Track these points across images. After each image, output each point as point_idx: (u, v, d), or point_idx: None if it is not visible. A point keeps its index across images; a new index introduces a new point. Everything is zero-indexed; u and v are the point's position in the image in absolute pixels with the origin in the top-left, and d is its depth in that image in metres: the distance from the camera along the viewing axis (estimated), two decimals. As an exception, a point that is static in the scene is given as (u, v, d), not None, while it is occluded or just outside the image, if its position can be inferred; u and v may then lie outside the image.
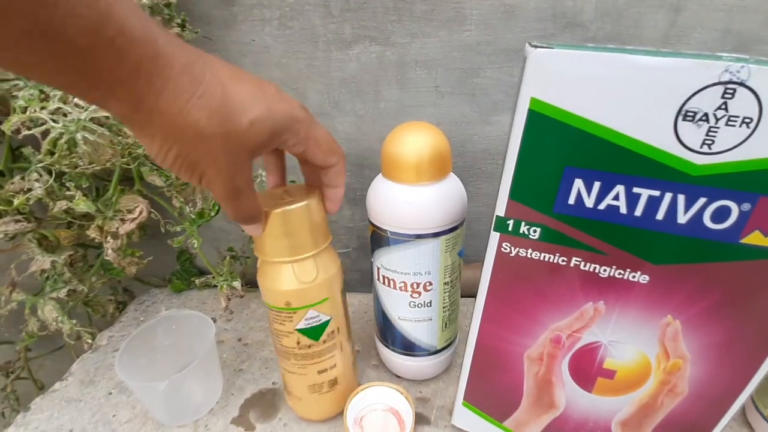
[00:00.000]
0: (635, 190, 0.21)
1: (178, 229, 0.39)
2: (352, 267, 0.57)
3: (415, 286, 0.34)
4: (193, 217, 0.38)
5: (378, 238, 0.34)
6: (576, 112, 0.21)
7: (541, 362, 0.28)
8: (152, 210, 0.37)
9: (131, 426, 0.36)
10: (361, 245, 0.55)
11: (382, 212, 0.32)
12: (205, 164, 0.21)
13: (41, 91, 0.30)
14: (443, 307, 0.36)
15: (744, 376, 0.24)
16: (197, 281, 0.42)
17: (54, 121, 0.27)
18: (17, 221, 0.34)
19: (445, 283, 0.35)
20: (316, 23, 0.43)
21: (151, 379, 0.33)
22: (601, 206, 0.22)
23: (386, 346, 0.40)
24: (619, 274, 0.23)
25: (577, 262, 0.24)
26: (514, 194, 0.24)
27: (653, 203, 0.21)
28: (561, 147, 0.22)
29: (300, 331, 0.30)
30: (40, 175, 0.34)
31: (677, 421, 0.27)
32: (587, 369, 0.27)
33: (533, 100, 0.21)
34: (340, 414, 0.35)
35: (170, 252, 0.56)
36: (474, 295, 0.28)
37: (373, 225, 0.34)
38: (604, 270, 0.24)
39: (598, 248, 0.23)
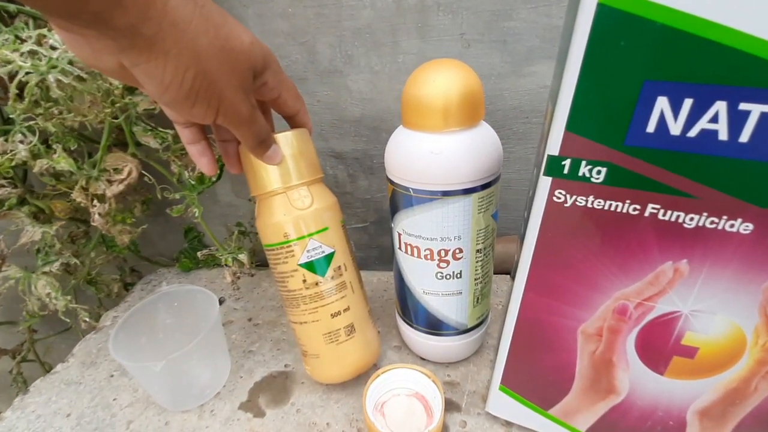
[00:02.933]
0: (742, 106, 0.16)
1: (177, 196, 0.35)
2: (371, 243, 0.53)
3: (442, 253, 0.29)
4: (193, 183, 0.34)
5: (399, 199, 0.29)
6: (662, 1, 0.15)
7: (600, 338, 0.23)
8: (146, 173, 0.33)
9: (132, 410, 0.33)
10: (380, 219, 0.51)
11: (403, 167, 0.28)
12: (224, 84, 0.21)
13: (17, 36, 0.26)
14: (475, 279, 0.31)
15: None
16: (200, 254, 0.39)
17: (23, 61, 0.24)
18: (2, 186, 0.30)
19: (477, 251, 0.30)
20: (325, -37, 0.38)
21: (151, 359, 0.29)
22: (692, 133, 0.17)
23: (409, 325, 0.36)
24: (712, 223, 0.18)
25: (654, 211, 0.19)
26: (572, 125, 0.19)
27: (766, 124, 0.16)
28: (640, 53, 0.16)
29: (304, 266, 0.28)
30: (25, 136, 0.30)
31: (776, 410, 0.21)
32: (661, 346, 0.22)
33: (605, -10, 0.16)
34: (364, 375, 0.32)
35: (178, 230, 0.53)
36: (505, 272, 0.23)
37: (392, 183, 0.29)
38: (692, 219, 0.18)
39: (684, 190, 0.18)
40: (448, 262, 0.30)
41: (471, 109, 0.26)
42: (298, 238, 0.27)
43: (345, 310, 0.30)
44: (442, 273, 0.30)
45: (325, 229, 0.28)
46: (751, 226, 0.18)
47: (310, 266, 0.28)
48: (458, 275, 0.31)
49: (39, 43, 0.25)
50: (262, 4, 0.40)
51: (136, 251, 0.48)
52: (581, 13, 0.17)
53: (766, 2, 0.14)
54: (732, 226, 0.18)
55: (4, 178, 0.31)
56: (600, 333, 0.23)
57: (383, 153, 0.31)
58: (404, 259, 0.32)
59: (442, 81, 0.26)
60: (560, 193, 0.20)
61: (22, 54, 0.24)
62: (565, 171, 0.20)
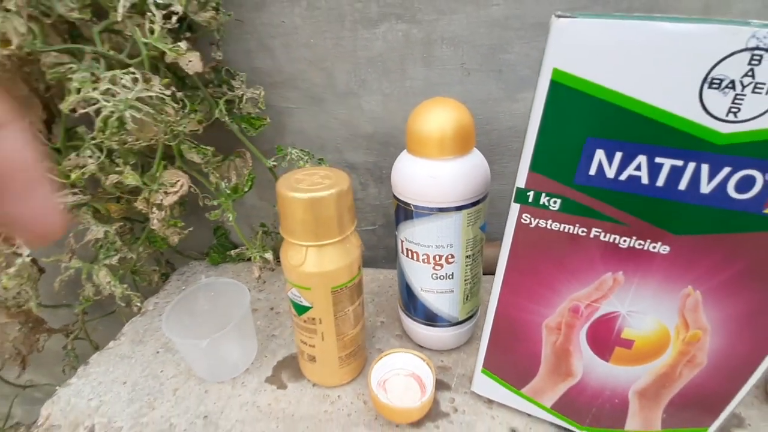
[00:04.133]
0: (657, 160, 0.21)
1: (215, 203, 0.41)
2: (378, 244, 0.59)
3: (437, 258, 0.35)
4: (228, 191, 0.41)
5: (402, 212, 0.35)
6: (599, 83, 0.21)
7: (560, 331, 0.29)
8: (191, 185, 0.39)
9: (176, 380, 0.40)
10: (387, 223, 0.57)
11: (406, 187, 0.34)
12: None
13: (92, 74, 0.32)
14: (465, 280, 0.37)
15: (765, 347, 0.24)
16: (233, 252, 0.45)
17: (106, 100, 0.30)
18: (74, 194, 0.37)
19: (467, 257, 0.36)
20: (344, 2, 0.43)
21: (194, 338, 0.36)
22: (623, 177, 0.22)
23: (409, 317, 0.41)
24: (639, 244, 0.24)
25: (597, 233, 0.24)
26: (534, 166, 0.24)
27: (676, 173, 0.21)
28: (583, 118, 0.22)
29: (290, 298, 0.34)
30: (93, 152, 0.37)
31: (695, 391, 0.27)
32: (605, 338, 0.28)
33: (555, 71, 0.22)
34: (310, 383, 0.39)
35: (207, 227, 0.59)
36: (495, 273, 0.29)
37: (397, 199, 0.35)
38: (624, 241, 0.24)
39: (618, 219, 0.24)
40: (441, 266, 0.36)
41: (463, 141, 0.32)
42: (288, 280, 0.33)
43: (311, 347, 0.36)
44: (436, 274, 0.36)
45: (307, 288, 0.32)
46: (668, 248, 0.23)
47: (293, 303, 0.34)
48: (450, 276, 0.36)
49: (113, 82, 0.32)
50: (288, 36, 0.45)
51: (171, 246, 0.55)
52: (540, 87, 0.22)
53: (673, 84, 0.20)
54: (654, 247, 0.23)
55: (76, 187, 0.37)
56: (559, 327, 0.29)
57: (391, 165, 0.36)
58: (405, 262, 0.38)
59: (439, 118, 0.31)
60: (526, 216, 0.26)
61: (102, 93, 0.31)
62: (530, 200, 0.25)
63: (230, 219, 0.41)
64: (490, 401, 0.36)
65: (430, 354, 0.42)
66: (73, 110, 0.31)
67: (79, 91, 0.31)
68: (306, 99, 0.49)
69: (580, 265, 0.26)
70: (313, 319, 0.34)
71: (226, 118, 0.40)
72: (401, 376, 0.37)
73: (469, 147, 0.33)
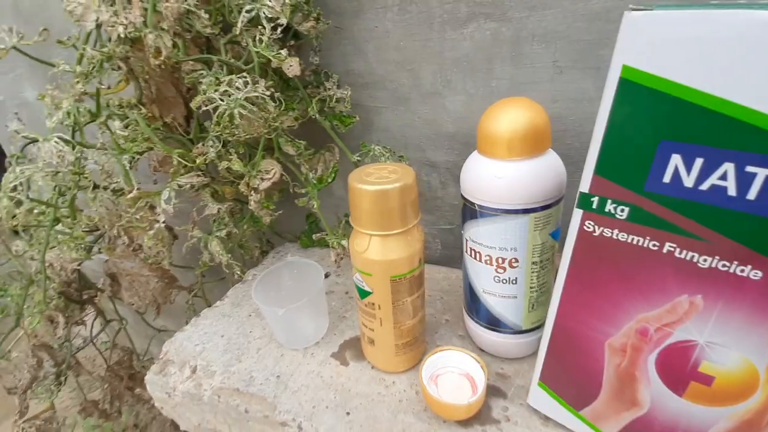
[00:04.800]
0: (749, 168, 0.18)
1: (303, 191, 0.47)
2: (456, 243, 0.59)
3: (500, 261, 0.35)
4: (314, 182, 0.45)
5: (468, 211, 0.35)
6: (677, 80, 0.19)
7: (625, 354, 0.26)
8: (284, 173, 0.45)
9: (260, 341, 0.46)
10: (465, 223, 0.56)
11: (471, 185, 0.34)
12: None
13: (216, 78, 0.39)
14: (530, 287, 0.36)
15: None
16: (315, 237, 0.50)
17: (221, 100, 0.36)
18: (198, 176, 0.45)
19: (533, 263, 0.34)
20: (433, 5, 0.45)
21: (274, 307, 0.41)
22: (704, 186, 0.20)
23: (472, 319, 0.41)
24: (724, 266, 0.21)
25: (671, 248, 0.22)
26: (600, 169, 0.23)
27: (773, 185, 0.18)
28: (657, 119, 0.20)
29: (355, 282, 0.37)
30: (213, 143, 0.44)
31: (797, 452, 0.22)
32: (679, 370, 0.24)
33: (625, 68, 0.20)
34: (369, 365, 0.41)
35: (302, 214, 0.66)
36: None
37: (464, 198, 0.35)
38: (705, 260, 0.21)
39: (697, 234, 0.21)
40: (504, 269, 0.35)
41: (533, 143, 0.31)
42: (354, 266, 0.36)
43: (371, 330, 0.38)
44: (499, 277, 0.36)
45: (369, 274, 0.35)
46: (760, 274, 0.20)
47: (357, 287, 0.37)
48: (513, 281, 0.35)
49: (230, 85, 0.38)
50: (380, 39, 0.48)
51: (272, 227, 0.63)
52: (608, 85, 0.21)
53: (761, 79, 0.17)
54: (742, 271, 0.20)
55: (200, 170, 0.46)
56: (624, 349, 0.26)
57: (472, 164, 0.37)
58: (469, 261, 0.38)
59: (508, 117, 0.31)
60: (589, 223, 0.24)
61: (221, 94, 0.37)
62: (594, 206, 0.24)
63: (314, 206, 0.46)
64: (546, 418, 0.34)
65: (490, 360, 0.41)
66: (198, 108, 0.38)
67: (204, 92, 0.38)
68: (393, 99, 0.52)
69: (651, 283, 0.23)
70: (373, 304, 0.36)
71: (317, 116, 0.45)
72: (454, 374, 0.37)
73: (542, 148, 0.32)
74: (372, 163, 0.36)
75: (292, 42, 0.45)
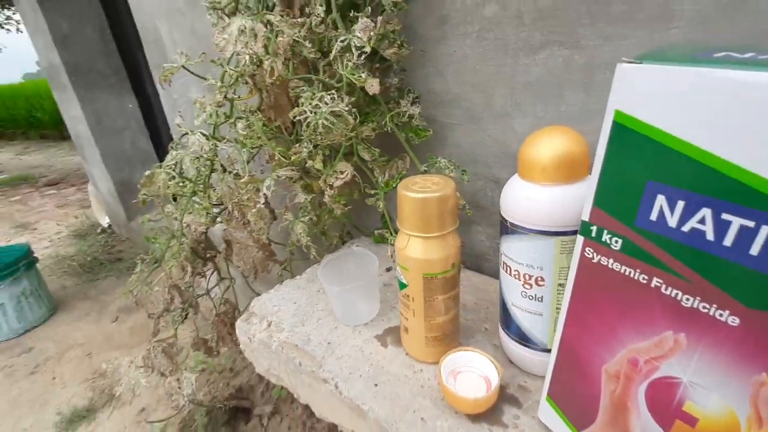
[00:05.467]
0: (724, 216, 0.20)
1: (372, 192, 0.54)
2: (514, 260, 0.60)
3: (527, 277, 0.37)
4: (382, 185, 0.52)
5: (502, 227, 0.38)
6: (661, 128, 0.21)
7: (618, 381, 0.27)
8: (356, 175, 0.53)
9: (322, 313, 0.55)
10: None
11: (506, 203, 0.37)
12: None
13: (313, 94, 0.49)
14: (556, 308, 0.37)
15: None
16: (376, 232, 0.57)
17: (311, 112, 0.45)
18: (293, 170, 0.56)
19: (559, 284, 0.36)
20: (509, 33, 0.48)
21: (335, 285, 0.49)
22: (685, 228, 0.21)
23: (503, 330, 0.43)
24: (704, 307, 0.21)
25: (659, 284, 0.23)
26: (597, 201, 0.25)
27: (746, 235, 0.19)
28: (644, 161, 0.22)
29: (396, 275, 0.42)
30: (306, 145, 0.54)
31: None
32: (665, 405, 0.25)
33: (617, 113, 0.22)
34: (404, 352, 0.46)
35: (380, 213, 0.74)
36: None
37: (500, 214, 0.38)
38: (687, 299, 0.22)
39: (680, 273, 0.22)
40: (531, 285, 0.37)
41: (566, 170, 0.33)
42: (396, 260, 0.42)
43: (406, 319, 0.43)
44: (526, 292, 0.38)
45: (406, 269, 0.40)
46: (737, 320, 0.20)
47: (397, 279, 0.42)
48: (539, 299, 0.37)
49: (320, 100, 0.47)
50: (459, 63, 0.53)
51: (350, 220, 0.72)
52: (604, 125, 0.23)
53: (745, 137, 0.18)
54: (721, 315, 0.21)
55: (294, 166, 0.56)
56: (618, 376, 0.27)
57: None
58: (502, 274, 0.40)
59: (544, 145, 0.33)
60: (589, 250, 0.26)
61: (312, 107, 0.46)
62: (593, 234, 0.26)
63: (380, 206, 0.53)
64: (553, 434, 0.36)
65: (517, 372, 0.43)
66: (294, 117, 0.48)
67: (301, 104, 0.48)
68: (466, 117, 0.56)
69: (641, 315, 0.25)
70: (408, 296, 0.42)
71: (389, 128, 0.51)
72: (474, 375, 0.40)
73: (577, 176, 0.33)
74: (421, 175, 0.41)
75: (378, 65, 0.52)
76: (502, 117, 0.52)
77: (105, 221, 2.37)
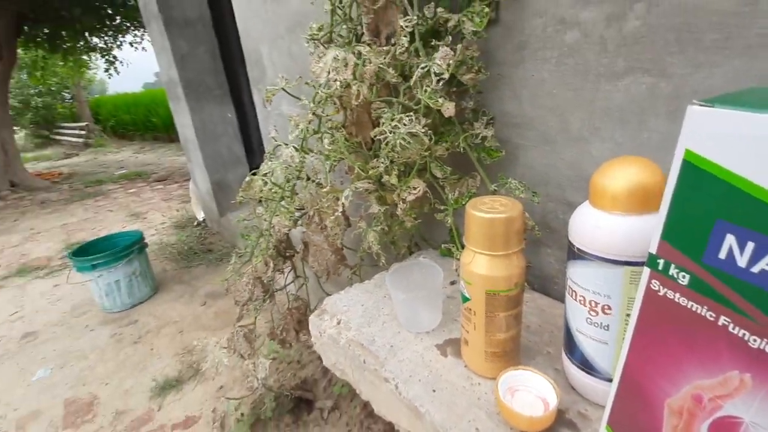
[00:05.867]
0: (798, 261, 0.20)
1: (442, 208, 0.57)
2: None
3: (592, 304, 0.37)
4: (452, 202, 0.55)
5: (570, 251, 0.39)
6: (732, 170, 0.21)
7: (681, 417, 0.27)
8: (428, 191, 0.56)
9: (386, 317, 0.59)
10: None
11: (574, 228, 0.37)
12: None
13: (393, 115, 0.53)
14: (623, 338, 0.37)
15: None
16: (443, 246, 0.60)
17: (390, 132, 0.50)
18: (369, 183, 0.61)
19: (627, 315, 0.36)
20: (590, 59, 0.48)
21: (401, 292, 0.53)
22: (755, 269, 0.21)
23: (566, 355, 0.44)
24: (774, 351, 0.21)
25: (726, 323, 0.23)
26: (665, 234, 0.26)
27: (821, 282, 0.19)
28: (714, 199, 0.22)
29: (459, 289, 0.44)
30: (383, 161, 0.59)
31: None
32: (729, 447, 0.24)
33: (688, 152, 0.23)
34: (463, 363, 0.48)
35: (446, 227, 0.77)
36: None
37: (568, 239, 0.39)
38: (755, 340, 0.22)
39: (748, 313, 0.22)
40: (597, 313, 0.37)
41: (639, 201, 0.33)
42: (460, 274, 0.44)
43: (467, 332, 0.45)
44: (591, 319, 0.38)
45: (469, 283, 0.42)
46: (809, 367, 0.20)
47: (461, 292, 0.44)
48: (605, 327, 0.37)
49: (399, 121, 0.51)
50: (535, 87, 0.54)
51: (419, 232, 0.75)
52: (674, 161, 0.24)
53: None
54: (791, 360, 0.21)
55: (370, 179, 0.61)
56: (681, 411, 0.27)
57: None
58: (567, 299, 0.41)
59: (616, 174, 0.34)
60: (655, 283, 0.27)
61: (391, 128, 0.51)
62: (660, 267, 0.26)
63: (449, 222, 0.55)
64: (611, 465, 0.35)
65: (578, 399, 0.43)
66: (374, 137, 0.53)
67: (382, 124, 0.53)
68: (540, 139, 0.56)
69: (707, 352, 0.25)
70: (470, 309, 0.44)
71: (462, 148, 0.54)
72: (532, 395, 0.41)
73: (651, 208, 0.33)
74: (489, 195, 0.43)
75: (455, 88, 0.55)
76: (579, 141, 0.52)
77: (200, 216, 2.67)
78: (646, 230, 0.33)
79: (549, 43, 0.51)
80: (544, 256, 0.62)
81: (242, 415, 1.10)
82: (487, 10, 0.50)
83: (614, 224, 0.34)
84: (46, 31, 4.80)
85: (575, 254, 0.38)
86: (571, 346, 0.42)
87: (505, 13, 0.55)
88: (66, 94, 9.72)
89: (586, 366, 0.40)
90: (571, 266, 0.39)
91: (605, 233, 0.34)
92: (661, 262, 0.26)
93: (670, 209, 0.25)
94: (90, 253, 1.70)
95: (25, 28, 4.42)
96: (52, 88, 9.21)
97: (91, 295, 1.78)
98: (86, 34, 5.13)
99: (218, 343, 0.96)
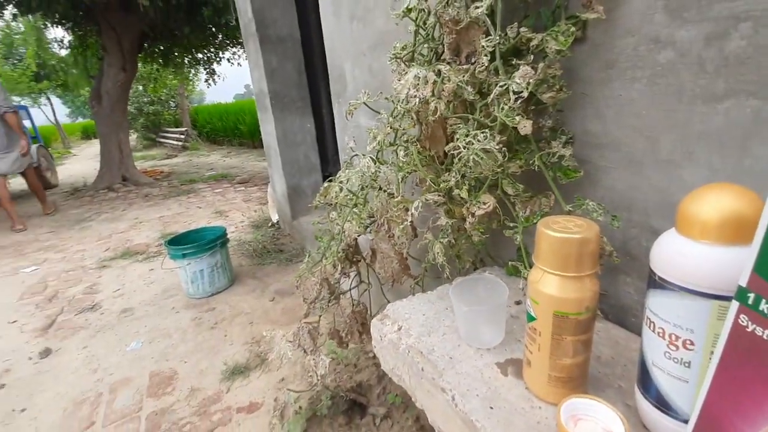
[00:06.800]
0: None
1: (511, 225, 0.56)
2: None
3: (673, 337, 0.35)
4: (522, 219, 0.54)
5: (650, 280, 0.37)
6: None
7: (770, 470, 0.25)
8: (498, 207, 0.56)
9: (447, 330, 0.59)
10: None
11: (656, 255, 0.36)
12: None
13: (468, 131, 0.55)
14: (704, 376, 0.34)
15: None
16: (510, 263, 0.59)
17: (464, 147, 0.51)
18: (439, 195, 0.63)
19: (712, 351, 0.33)
20: (685, 79, 0.45)
21: (464, 305, 0.53)
22: None
23: (640, 391, 0.41)
24: None
25: (831, 369, 0.21)
26: (758, 267, 0.24)
27: None
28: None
29: (526, 308, 0.44)
30: (455, 175, 0.60)
31: None
32: None
33: (791, 181, 0.22)
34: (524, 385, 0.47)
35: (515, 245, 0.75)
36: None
37: (649, 266, 0.37)
38: None
39: None
40: (677, 347, 0.35)
41: (732, 231, 0.31)
42: (528, 293, 0.43)
43: (530, 352, 0.45)
44: (670, 354, 0.36)
45: (536, 302, 0.41)
46: None
47: (527, 311, 0.44)
48: (686, 364, 0.35)
49: (474, 137, 0.53)
50: (622, 106, 0.52)
51: (485, 248, 0.75)
52: (773, 192, 0.23)
53: None
54: None
55: (438, 191, 0.63)
56: (771, 463, 0.25)
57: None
58: (644, 330, 0.39)
59: (708, 201, 0.32)
60: (744, 318, 0.25)
61: (465, 143, 0.52)
62: (750, 302, 0.25)
63: (518, 240, 0.55)
64: None
65: (649, 437, 0.40)
66: (447, 151, 0.54)
67: (457, 140, 0.54)
68: (624, 161, 0.54)
69: (806, 400, 0.23)
70: (535, 329, 0.43)
71: (536, 167, 0.54)
72: (598, 427, 0.39)
73: (744, 239, 0.31)
74: (564, 215, 0.42)
75: (534, 106, 0.55)
76: (669, 165, 0.49)
77: (275, 218, 2.87)
78: (737, 262, 0.31)
79: (640, 62, 0.49)
80: (622, 285, 0.59)
81: (300, 408, 1.15)
82: (573, 29, 0.49)
83: (702, 254, 0.32)
84: (161, 47, 5.55)
85: (656, 283, 0.36)
86: (645, 381, 0.39)
87: (592, 31, 0.54)
88: (171, 103, 11.07)
89: (661, 404, 0.38)
90: (651, 296, 0.37)
91: (691, 263, 0.32)
92: (752, 296, 0.24)
93: (765, 240, 0.23)
94: (182, 243, 1.91)
95: (145, 45, 5.14)
96: (162, 98, 10.58)
97: (179, 281, 1.99)
98: (193, 50, 5.83)
99: (284, 336, 1.03)
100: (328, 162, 2.47)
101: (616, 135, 0.54)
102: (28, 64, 10.42)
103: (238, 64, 6.66)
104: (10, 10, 4.25)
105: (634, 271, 0.57)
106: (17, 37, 10.33)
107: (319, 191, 0.81)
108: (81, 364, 1.54)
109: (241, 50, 5.91)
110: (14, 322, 1.91)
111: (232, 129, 9.36)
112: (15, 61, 10.87)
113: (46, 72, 10.60)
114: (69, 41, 5.50)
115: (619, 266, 0.58)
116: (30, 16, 4.99)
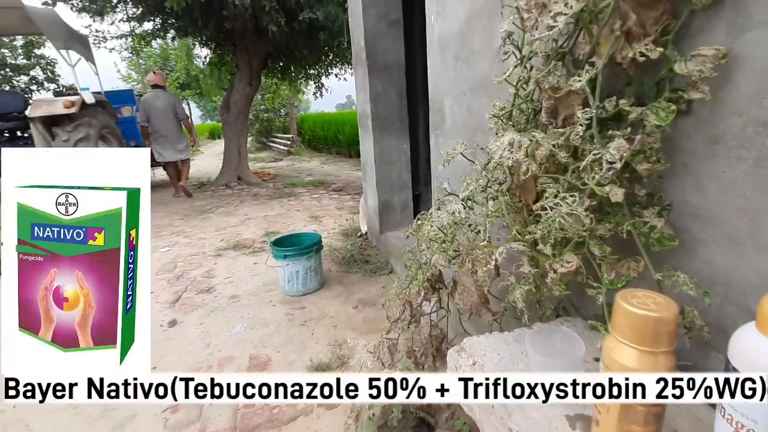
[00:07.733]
0: None
1: (594, 285, 0.59)
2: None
3: (739, 425, 0.36)
4: (607, 282, 0.56)
5: (725, 367, 0.38)
6: None
7: None
8: (581, 265, 0.59)
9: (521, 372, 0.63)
10: None
11: (734, 349, 0.37)
12: None
13: (557, 192, 0.59)
14: (780, 478, 0.34)
15: None
16: (590, 322, 0.61)
17: (551, 208, 0.56)
18: (524, 245, 0.67)
19: (788, 454, 0.34)
20: (798, 167, 0.45)
21: (538, 354, 0.57)
22: None
23: (713, 474, 0.41)
24: None
25: None
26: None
27: None
28: None
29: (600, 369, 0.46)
30: (541, 230, 0.64)
31: None
32: None
33: None
34: None
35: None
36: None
37: (726, 358, 0.38)
38: None
39: None
40: (750, 441, 0.36)
41: (817, 341, 0.32)
42: (601, 357, 0.45)
43: (598, 412, 0.46)
44: (742, 445, 0.36)
45: (609, 368, 0.43)
46: None
47: None
48: (759, 459, 0.35)
49: (562, 200, 0.56)
50: (726, 184, 0.52)
51: (567, 298, 0.77)
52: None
53: None
54: None
55: (523, 242, 0.67)
56: None
57: None
58: (717, 416, 0.39)
59: (793, 308, 0.33)
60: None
61: (552, 204, 0.56)
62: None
63: (600, 300, 0.57)
64: None
65: None
66: (536, 209, 0.59)
67: (545, 198, 0.59)
68: (724, 239, 0.53)
69: None
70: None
71: (625, 232, 0.55)
72: (660, 499, 0.41)
73: (833, 351, 0.31)
74: (644, 290, 0.45)
75: (628, 174, 0.57)
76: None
77: (364, 229, 3.06)
78: (822, 374, 0.31)
79: (747, 143, 0.49)
80: (713, 361, 0.57)
81: (373, 414, 1.25)
82: (673, 107, 0.51)
83: (781, 357, 0.33)
84: (281, 64, 6.28)
85: (730, 372, 0.37)
86: (718, 466, 0.40)
87: (698, 106, 0.54)
88: (282, 111, 12.34)
89: (734, 494, 0.38)
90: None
91: (765, 361, 0.34)
92: (816, 413, 0.26)
93: (829, 365, 0.25)
94: (284, 245, 2.17)
95: (269, 62, 5.86)
96: (275, 106, 11.86)
97: (277, 277, 2.25)
98: (307, 66, 6.48)
99: (366, 346, 1.14)
100: (419, 181, 2.57)
101: (717, 211, 0.54)
102: (177, 75, 12.55)
103: (344, 78, 7.20)
104: (171, 34, 5.24)
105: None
106: (171, 52, 12.54)
107: (407, 207, 0.90)
108: (197, 337, 1.84)
109: (348, 67, 6.41)
110: (152, 293, 2.34)
111: (332, 138, 10.08)
112: (167, 72, 13.12)
113: (188, 81, 12.59)
114: (210, 58, 6.51)
115: (710, 342, 0.56)
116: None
